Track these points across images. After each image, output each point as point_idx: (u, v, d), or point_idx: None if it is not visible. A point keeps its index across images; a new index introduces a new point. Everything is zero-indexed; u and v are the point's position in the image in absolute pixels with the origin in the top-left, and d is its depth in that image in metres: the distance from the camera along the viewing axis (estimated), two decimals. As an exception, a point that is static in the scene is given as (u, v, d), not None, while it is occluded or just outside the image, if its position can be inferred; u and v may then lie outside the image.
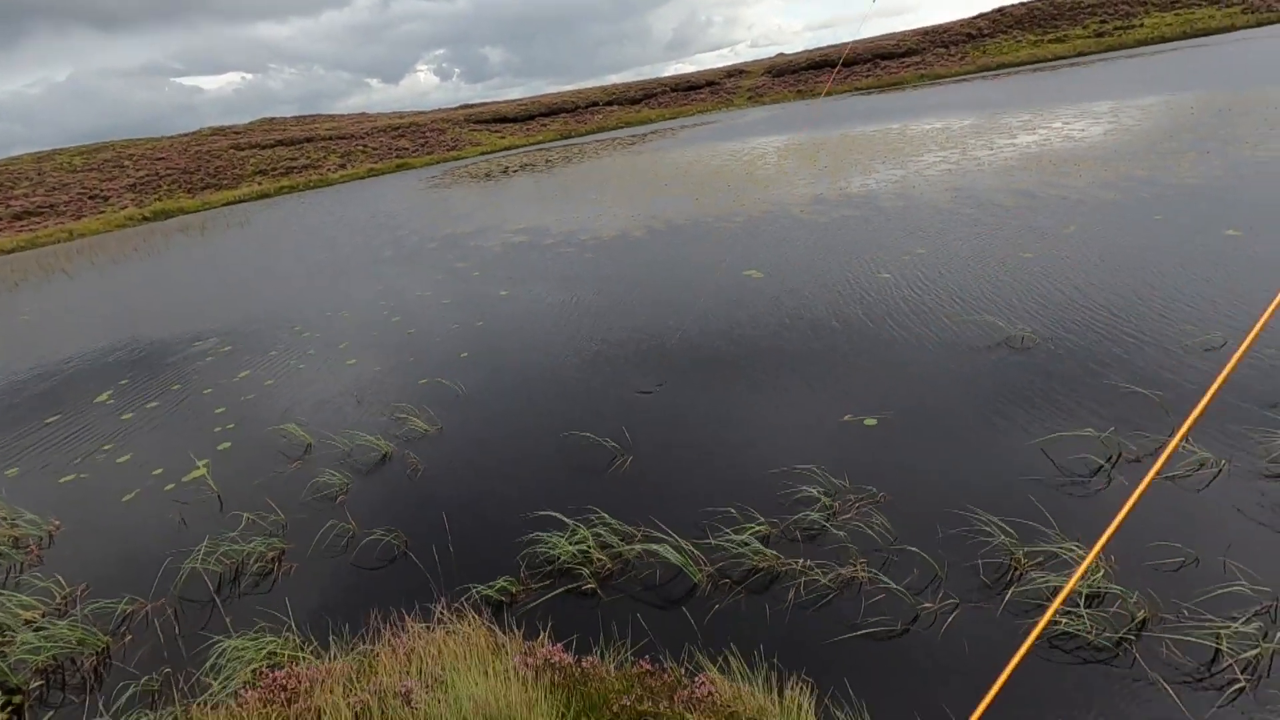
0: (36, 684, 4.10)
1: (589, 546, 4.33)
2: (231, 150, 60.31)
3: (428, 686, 2.62)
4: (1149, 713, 2.90)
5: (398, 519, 5.18)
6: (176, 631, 4.37)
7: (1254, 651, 3.04)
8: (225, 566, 4.91)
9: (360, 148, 61.31)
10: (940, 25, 70.55)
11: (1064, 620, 3.33)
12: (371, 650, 3.44)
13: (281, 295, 14.54)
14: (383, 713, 2.45)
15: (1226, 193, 10.36)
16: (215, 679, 3.70)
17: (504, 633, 3.57)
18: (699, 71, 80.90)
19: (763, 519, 4.39)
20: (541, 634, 3.64)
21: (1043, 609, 3.44)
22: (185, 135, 73.13)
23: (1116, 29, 56.38)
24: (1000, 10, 67.85)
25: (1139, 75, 32.18)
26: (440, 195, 30.89)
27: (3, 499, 6.53)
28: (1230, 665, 3.02)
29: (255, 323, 12.33)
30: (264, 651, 3.84)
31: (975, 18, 68.87)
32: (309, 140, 62.96)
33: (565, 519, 4.62)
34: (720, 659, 3.33)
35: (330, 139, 63.26)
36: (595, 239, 14.63)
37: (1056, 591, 3.51)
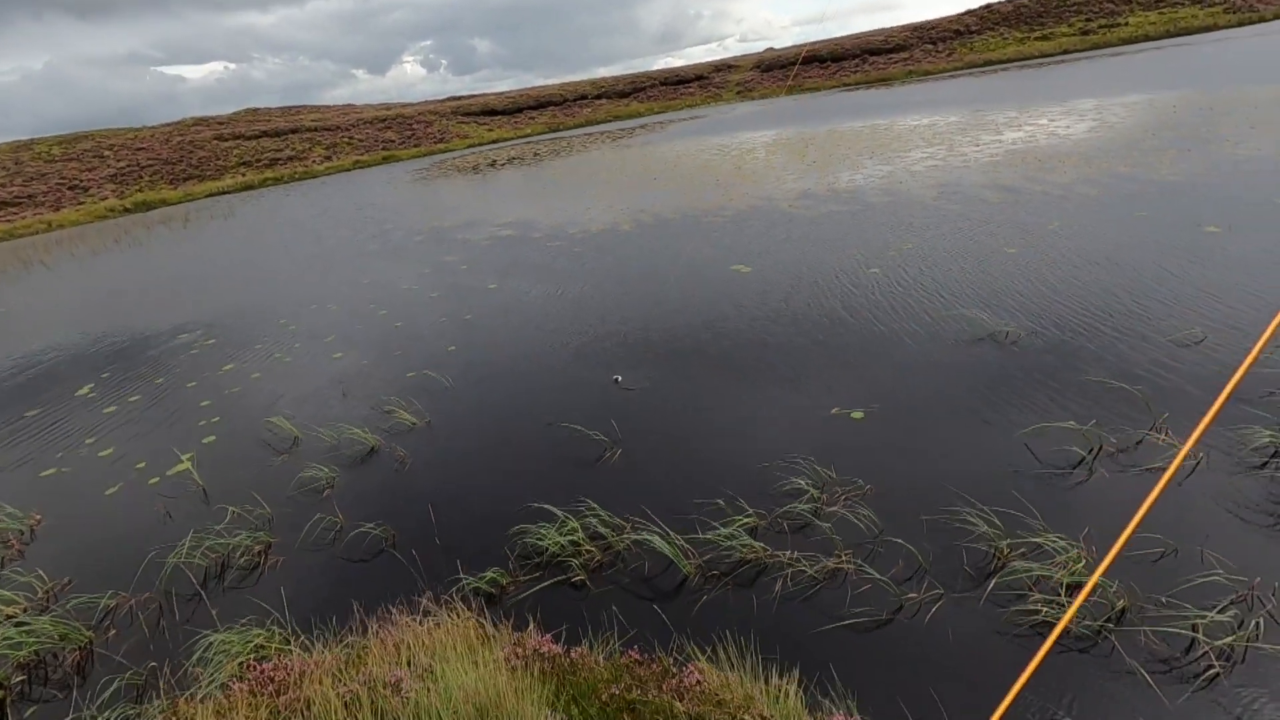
0: (18, 679, 4.06)
1: (579, 538, 4.34)
2: (215, 141, 59.51)
3: (417, 676, 2.63)
4: (1127, 700, 2.96)
5: (385, 512, 5.16)
6: (161, 626, 4.34)
7: (1229, 639, 3.11)
8: (211, 560, 4.88)
9: (346, 139, 60.71)
10: (929, 21, 70.84)
11: (1044, 609, 3.39)
12: (360, 642, 3.44)
13: (266, 288, 14.39)
14: (372, 702, 2.46)
15: (1206, 190, 10.51)
16: (202, 672, 3.68)
17: (493, 624, 3.58)
18: (688, 65, 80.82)
19: (751, 511, 4.42)
20: (531, 625, 3.65)
21: (1025, 598, 3.50)
22: (167, 125, 72.04)
23: (1101, 27, 56.90)
24: (988, 7, 68.25)
25: (1123, 73, 32.51)
26: (427, 188, 30.68)
27: (-18, 493, 6.44)
28: (1206, 653, 3.08)
29: (240, 316, 12.21)
30: (251, 645, 3.83)
31: (963, 14, 69.24)
32: (294, 131, 62.25)
33: (555, 511, 4.63)
34: (709, 649, 3.36)
35: (315, 130, 62.57)
36: (584, 233, 14.60)
37: (1039, 581, 3.57)
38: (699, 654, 3.31)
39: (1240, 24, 52.51)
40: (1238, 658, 3.06)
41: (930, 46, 64.33)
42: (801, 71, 67.67)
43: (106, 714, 3.56)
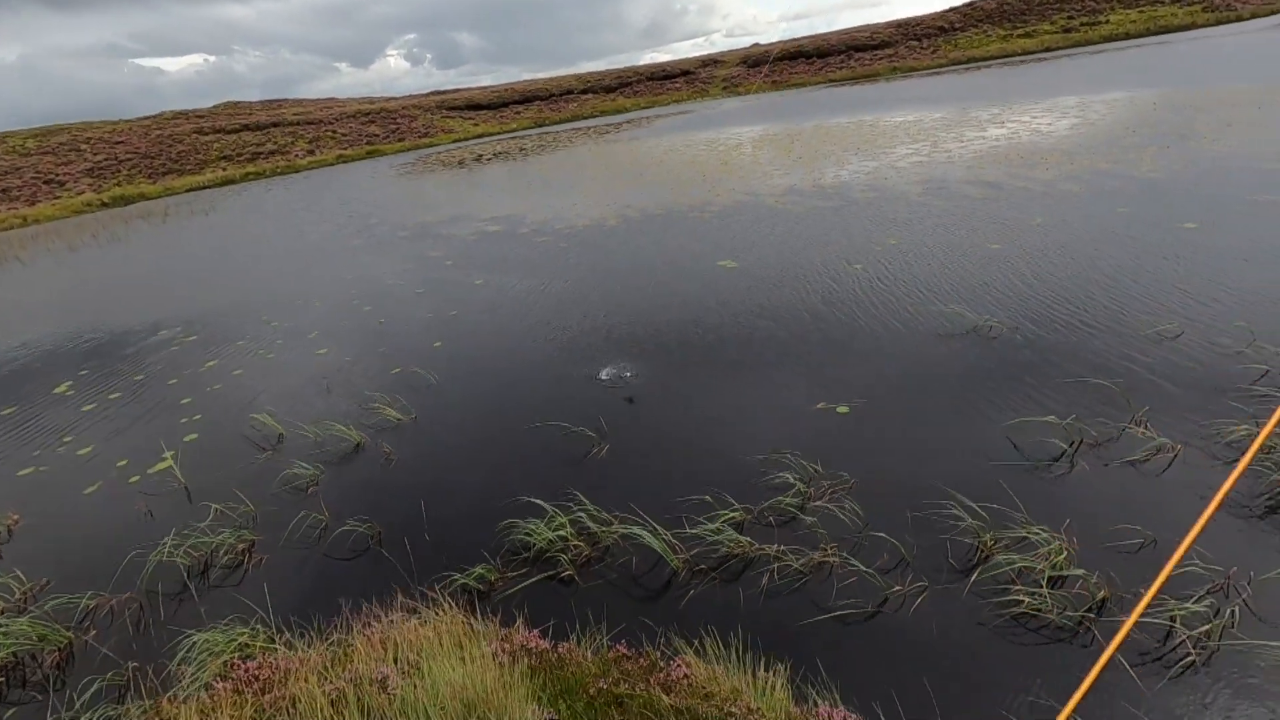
0: (-3, 681, 3.99)
1: (567, 533, 4.34)
2: (195, 135, 58.62)
3: (404, 673, 2.62)
4: (1107, 688, 3.01)
5: (372, 509, 5.13)
6: (143, 626, 4.30)
7: (1205, 628, 3.17)
8: (194, 559, 4.82)
9: (329, 133, 60.03)
10: (913, 18, 71.17)
11: (1026, 600, 3.44)
12: (346, 639, 3.42)
13: (249, 284, 14.22)
14: (358, 699, 2.45)
15: (1185, 187, 10.67)
16: (185, 672, 3.65)
17: (481, 620, 3.58)
18: (674, 60, 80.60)
19: (738, 505, 4.44)
20: (518, 620, 3.65)
21: (1008, 590, 3.54)
22: (146, 118, 70.86)
23: (1083, 25, 57.46)
24: (971, 4, 68.66)
25: (1104, 71, 32.87)
26: (412, 183, 30.44)
27: (-43, 493, 6.32)
28: (1184, 641, 3.14)
29: (222, 312, 12.06)
30: (235, 643, 3.80)
31: (947, 11, 69.63)
32: (276, 125, 61.45)
33: (543, 506, 4.63)
34: (696, 642, 3.37)
35: (298, 124, 61.82)
36: (570, 228, 14.55)
37: (1022, 573, 3.62)
38: (686, 648, 3.32)
39: (1218, 22, 53.28)
40: (1213, 646, 3.12)
41: (915, 43, 64.66)
42: (787, 67, 67.76)
43: (87, 715, 3.51)
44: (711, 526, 4.22)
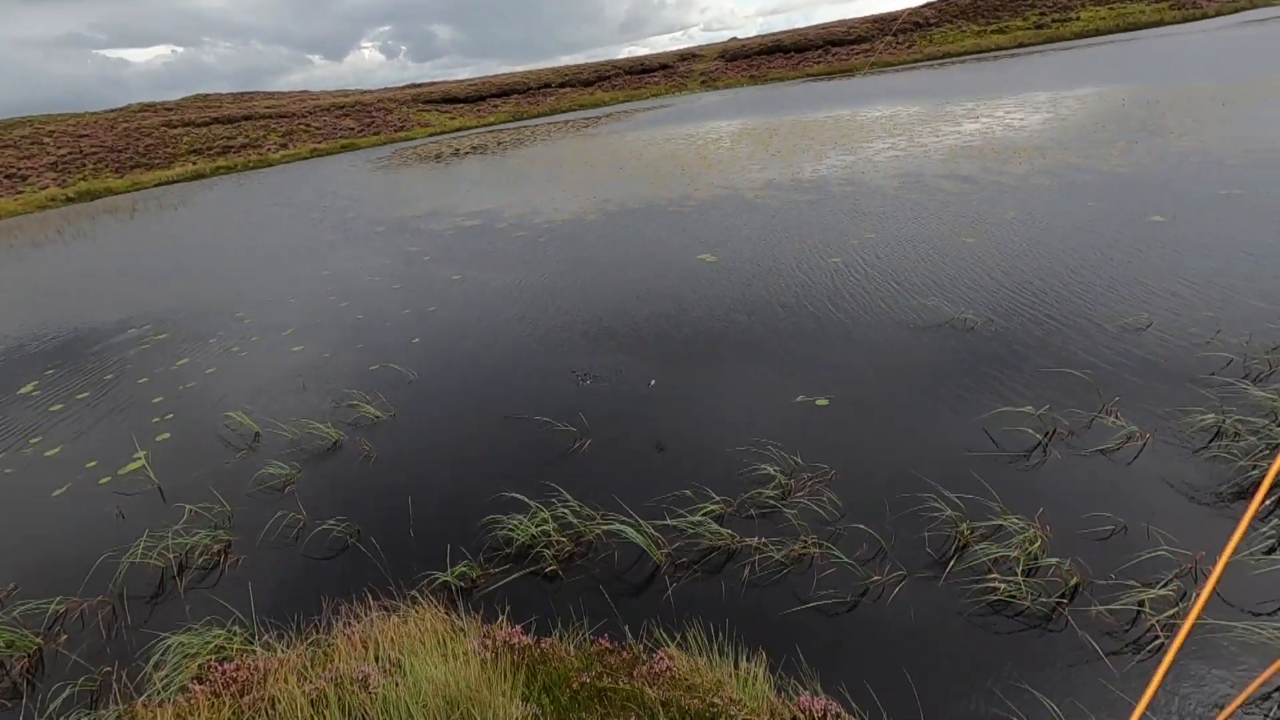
0: (-37, 688, 3.89)
1: (550, 529, 4.33)
2: (163, 128, 57.27)
3: (385, 671, 2.60)
4: (1079, 672, 3.08)
5: (351, 507, 5.07)
6: (116, 629, 4.21)
7: (1172, 612, 3.26)
8: (168, 561, 4.73)
9: (303, 127, 59.01)
10: (889, 13, 71.71)
11: (1002, 587, 3.50)
12: (326, 639, 3.39)
13: (221, 280, 13.96)
14: (339, 699, 2.42)
15: (1153, 181, 10.89)
16: (160, 676, 3.58)
17: (463, 617, 3.56)
18: (653, 54, 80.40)
19: (718, 498, 4.46)
20: (501, 617, 3.64)
21: (984, 579, 3.61)
22: (112, 111, 69.07)
23: (1054, 21, 58.34)
24: (945, 0, 69.32)
25: (1075, 67, 33.42)
26: (389, 177, 30.05)
27: (-82, 497, 6.14)
28: (1152, 625, 3.23)
29: (193, 309, 11.82)
30: (211, 646, 3.74)
31: (922, 6, 70.24)
32: (247, 118, 60.26)
33: (525, 502, 4.61)
34: (679, 635, 3.39)
35: (270, 117, 60.67)
36: (549, 223, 14.48)
37: (998, 561, 3.68)
38: (669, 640, 3.34)
39: (1184, 20, 54.43)
40: (1180, 628, 3.20)
41: (891, 38, 65.17)
42: (766, 62, 67.93)
43: (59, 721, 3.44)
44: (693, 520, 4.23)
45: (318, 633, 3.68)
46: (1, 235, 30.28)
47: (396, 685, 2.42)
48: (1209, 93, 19.09)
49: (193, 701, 2.84)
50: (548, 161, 26.15)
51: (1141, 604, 3.32)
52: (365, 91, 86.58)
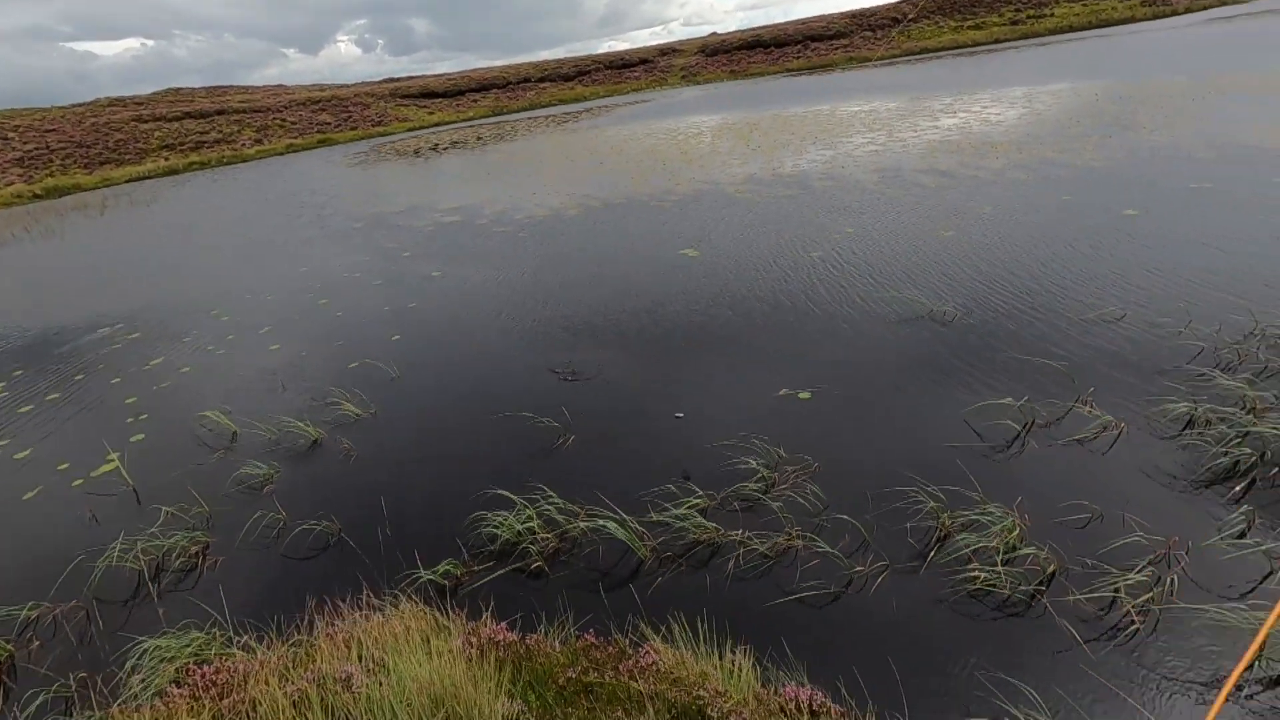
0: (-69, 698, 3.80)
1: (534, 525, 4.32)
2: (133, 123, 56.04)
3: (369, 671, 2.57)
4: (1058, 659, 3.13)
5: (332, 506, 5.01)
6: (91, 635, 4.13)
7: (1147, 596, 3.33)
8: (143, 564, 4.65)
9: (278, 122, 58.07)
10: (867, 9, 72.12)
11: (982, 576, 3.55)
12: (308, 640, 3.35)
13: (195, 278, 13.71)
14: (322, 699, 2.39)
15: (1126, 175, 11.08)
16: (136, 680, 3.52)
17: (447, 615, 3.53)
18: (633, 49, 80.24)
19: (702, 492, 4.47)
20: (485, 614, 3.62)
21: (966, 569, 3.65)
22: (79, 106, 67.45)
23: (1029, 17, 59.07)
24: (923, -4, 69.80)
25: (1049, 62, 33.86)
26: (367, 173, 29.69)
27: (-119, 502, 5.96)
28: (1128, 610, 3.29)
29: (166, 307, 11.60)
30: (189, 649, 3.68)
31: (900, 2, 70.71)
32: (220, 113, 59.16)
33: (510, 498, 4.59)
34: (664, 629, 3.40)
35: (244, 112, 59.61)
36: (530, 218, 14.40)
37: (980, 551, 3.73)
38: (654, 634, 3.34)
39: (1154, 17, 55.36)
40: (1155, 614, 3.27)
41: (869, 33, 65.58)
42: (746, 57, 68.03)
43: (33, 729, 3.37)
44: (677, 513, 4.24)
45: (299, 633, 3.63)
46: (-34, 233, 29.46)
47: (380, 684, 2.39)
48: (1179, 88, 19.45)
49: (171, 705, 2.80)
50: (528, 157, 25.99)
51: (1117, 590, 3.38)
52: (342, 86, 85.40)
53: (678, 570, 3.95)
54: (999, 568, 3.58)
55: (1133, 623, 3.23)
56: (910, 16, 62.46)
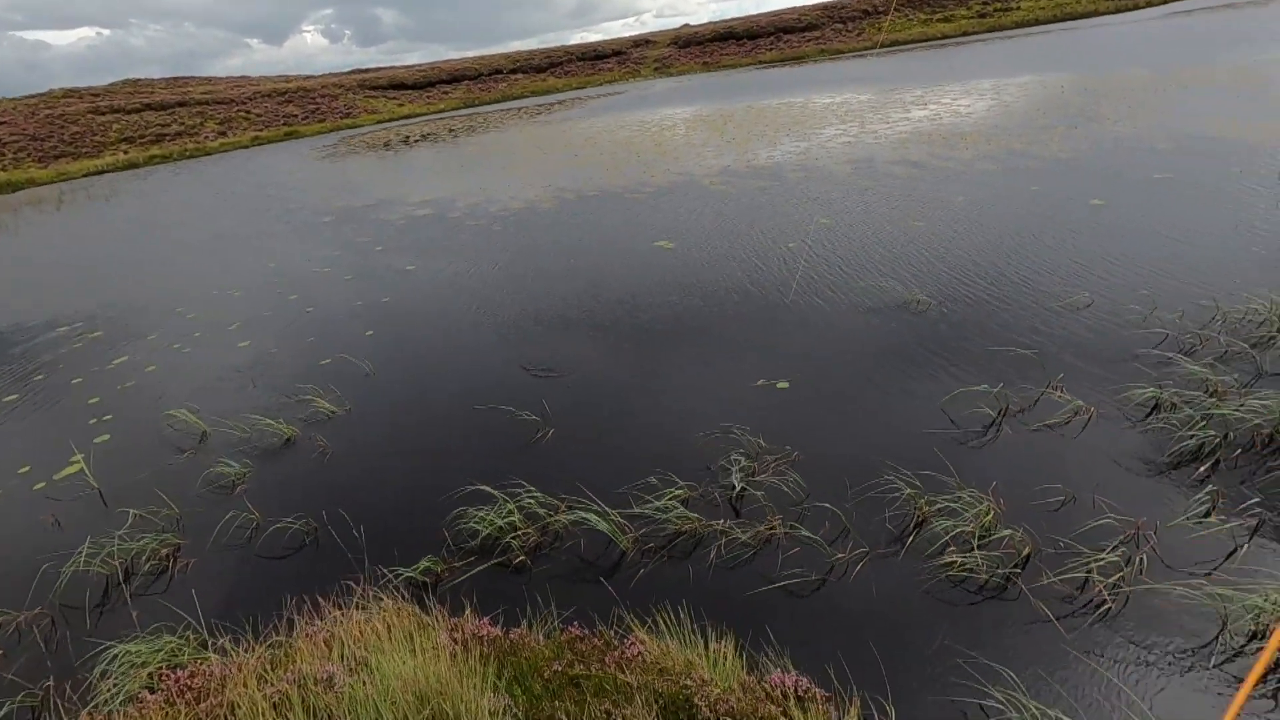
0: (-111, 711, 3.66)
1: (515, 520, 4.28)
2: (90, 115, 54.24)
3: (351, 670, 2.53)
4: (1032, 637, 3.20)
5: (307, 505, 4.92)
6: (58, 642, 4.01)
7: (1118, 576, 3.41)
8: (112, 568, 4.52)
9: (242, 114, 56.64)
10: (838, 1, 72.48)
11: (960, 560, 3.61)
12: (287, 641, 3.28)
13: (159, 274, 13.34)
14: (304, 700, 2.35)
15: (1091, 165, 11.31)
16: (107, 686, 3.43)
17: (429, 612, 3.49)
18: (605, 41, 79.68)
19: (683, 483, 4.48)
20: (468, 610, 3.58)
21: (943, 553, 3.71)
22: (32, 97, 65.02)
23: (996, 10, 59.90)
24: (893, -11, 70.35)
25: (1016, 55, 34.40)
26: (336, 166, 29.12)
27: None
28: (1100, 589, 3.37)
29: (129, 305, 11.27)
30: (162, 653, 3.59)
31: (870, -6, 71.07)
32: (182, 104, 57.51)
33: (490, 493, 4.55)
34: (649, 620, 3.40)
35: (207, 104, 58.03)
36: (504, 211, 14.26)
37: (957, 536, 3.79)
38: (639, 625, 3.34)
39: (1117, 10, 56.51)
40: (1125, 592, 3.36)
41: (840, 26, 65.97)
42: (719, 49, 68.02)
43: (-2, 740, 3.27)
44: (659, 505, 4.24)
45: (277, 634, 3.56)
46: (-87, 230, 28.29)
47: (364, 683, 2.36)
48: (1141, 81, 19.90)
49: (145, 711, 2.72)
50: (501, 149, 25.72)
51: (1089, 570, 3.46)
52: (308, 77, 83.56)
53: (661, 561, 3.95)
54: (975, 552, 3.65)
55: (1105, 602, 3.31)
56: (882, 8, 62.99)
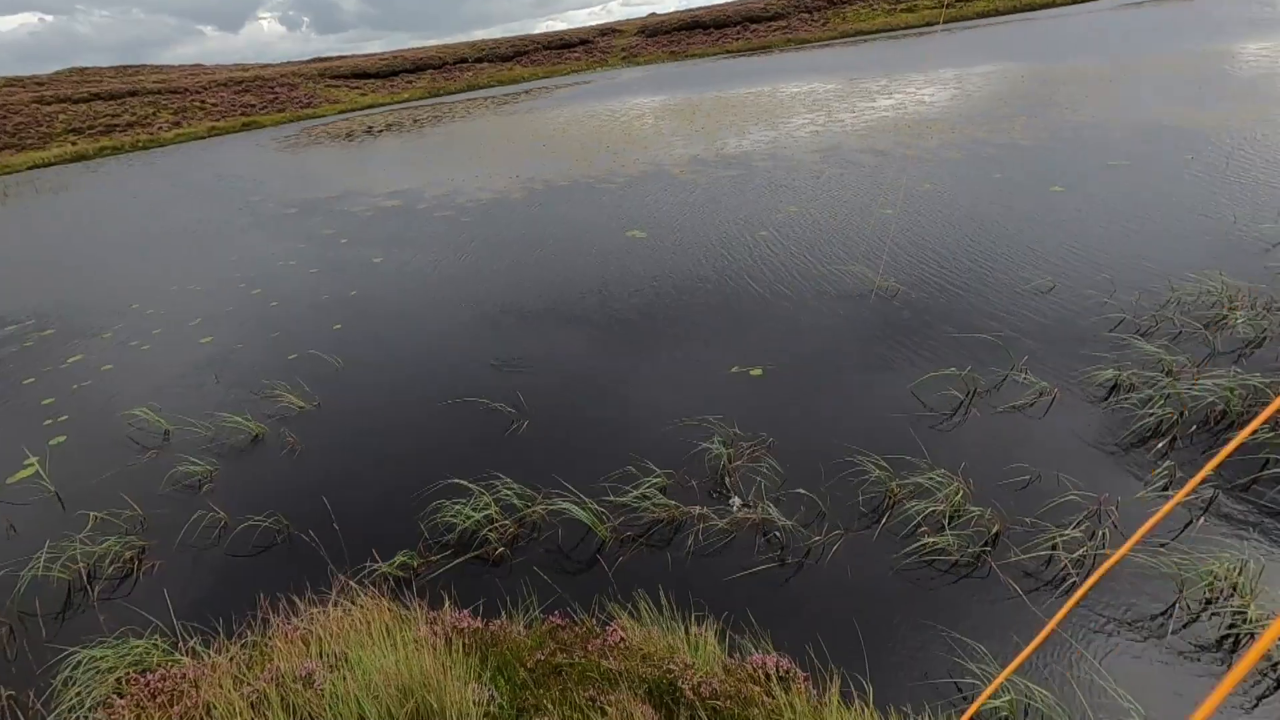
0: None
1: (492, 513, 4.26)
2: (34, 104, 52.00)
3: (331, 666, 2.49)
4: (1002, 612, 3.29)
5: (278, 502, 4.83)
6: (18, 649, 3.88)
7: (1082, 551, 3.53)
8: (73, 572, 4.38)
9: (197, 103, 54.86)
10: (804, -9, 72.62)
11: (931, 540, 3.70)
12: (263, 640, 3.22)
13: (114, 270, 12.90)
14: (282, 699, 2.30)
15: (1051, 153, 11.58)
16: (71, 693, 3.33)
17: (407, 606, 3.46)
18: (572, 29, 78.86)
19: (660, 471, 4.50)
20: (446, 603, 3.56)
21: (916, 534, 3.79)
22: (-30, 85, 62.07)
23: (958, 0, 60.71)
24: (857, -22, 70.82)
25: (977, 45, 34.95)
26: (298, 157, 28.41)
27: None
28: (1065, 565, 3.48)
29: (82, 302, 10.88)
30: (130, 658, 3.49)
31: (835, -15, 71.46)
32: (133, 94, 55.46)
33: (466, 486, 4.51)
34: (630, 607, 3.42)
35: (160, 93, 56.05)
36: (473, 202, 14.07)
37: (929, 517, 3.87)
38: (621, 612, 3.35)
39: (1074, 1, 57.72)
40: (1089, 565, 3.47)
41: (806, 15, 66.27)
42: (685, 38, 67.87)
43: (-42, 753, 3.15)
44: (637, 493, 4.25)
45: (252, 634, 3.50)
46: None
47: (344, 679, 2.32)
48: (1095, 71, 20.39)
49: (113, 716, 2.65)
50: (469, 139, 25.35)
51: (1055, 546, 3.57)
52: (266, 65, 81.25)
53: (639, 548, 3.97)
54: (947, 531, 3.73)
55: (1069, 575, 3.42)
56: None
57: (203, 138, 47.72)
